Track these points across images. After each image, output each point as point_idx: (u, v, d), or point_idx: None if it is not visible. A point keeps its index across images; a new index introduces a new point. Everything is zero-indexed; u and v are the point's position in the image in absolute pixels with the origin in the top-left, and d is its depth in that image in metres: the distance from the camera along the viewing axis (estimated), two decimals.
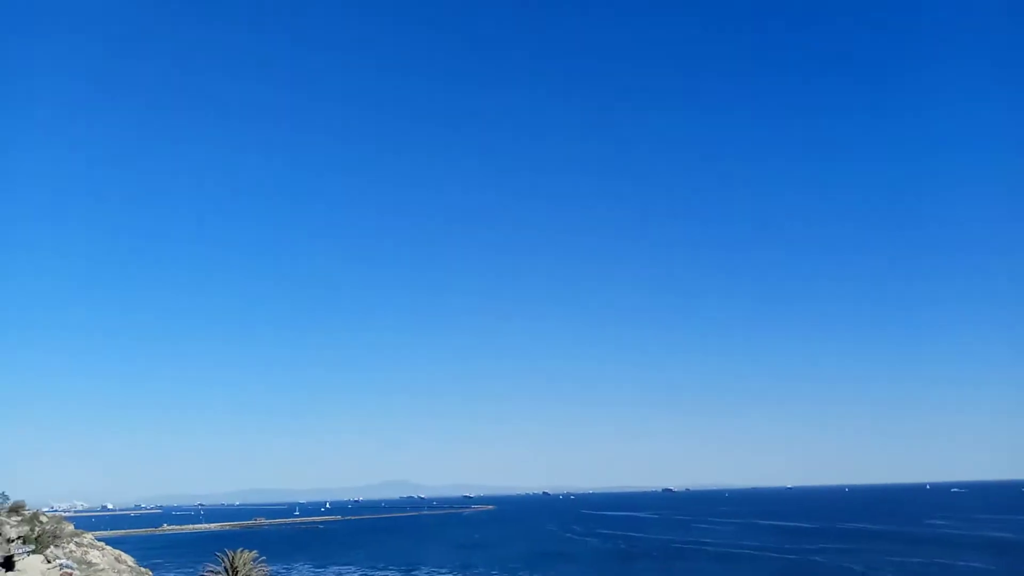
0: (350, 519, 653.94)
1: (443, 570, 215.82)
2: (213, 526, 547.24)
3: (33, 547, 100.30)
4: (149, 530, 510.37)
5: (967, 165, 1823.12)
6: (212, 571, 78.63)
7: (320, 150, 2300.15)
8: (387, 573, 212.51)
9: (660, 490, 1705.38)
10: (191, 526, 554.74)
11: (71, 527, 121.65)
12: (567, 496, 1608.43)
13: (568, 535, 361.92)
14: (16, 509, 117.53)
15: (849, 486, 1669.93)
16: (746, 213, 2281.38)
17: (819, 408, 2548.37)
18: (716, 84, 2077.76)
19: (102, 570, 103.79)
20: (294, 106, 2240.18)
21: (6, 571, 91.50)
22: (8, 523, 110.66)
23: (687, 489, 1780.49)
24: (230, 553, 78.98)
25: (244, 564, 77.74)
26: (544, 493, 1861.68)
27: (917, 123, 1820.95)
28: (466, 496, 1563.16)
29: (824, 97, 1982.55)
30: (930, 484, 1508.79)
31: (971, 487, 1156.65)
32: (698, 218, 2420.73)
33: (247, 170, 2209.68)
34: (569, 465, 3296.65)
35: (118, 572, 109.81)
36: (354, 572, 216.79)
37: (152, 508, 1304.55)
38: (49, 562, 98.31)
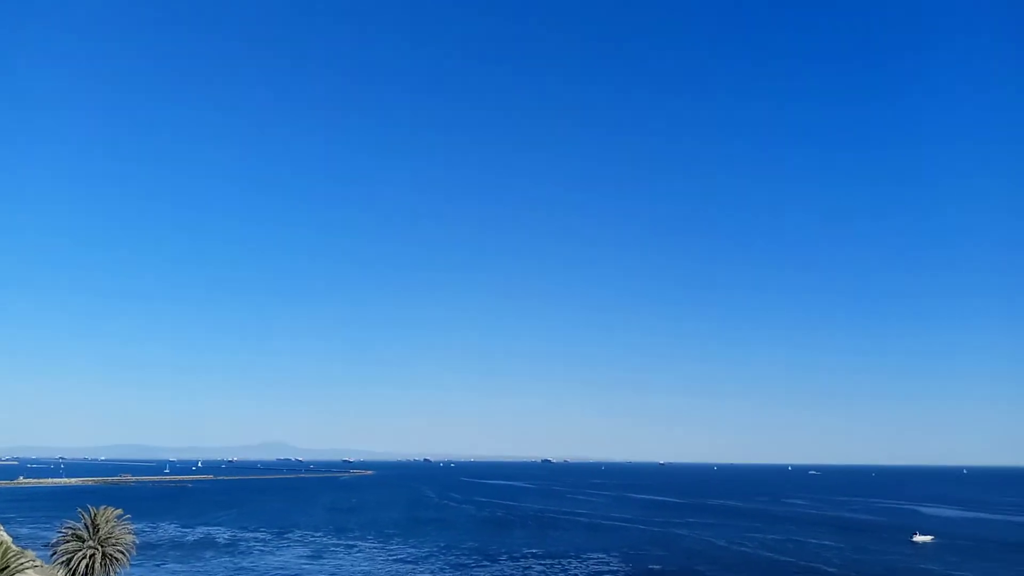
0: (223, 479, 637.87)
1: (317, 533, 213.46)
2: (74, 481, 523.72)
3: None
4: (3, 483, 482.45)
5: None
6: (71, 528, 74.85)
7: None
8: (258, 534, 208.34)
9: (539, 461, 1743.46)
10: (50, 480, 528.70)
11: None
12: (447, 464, 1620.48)
13: (446, 502, 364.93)
14: None
15: (717, 465, 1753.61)
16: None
17: (696, 385, 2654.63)
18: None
19: None
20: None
21: None
22: None
23: (565, 461, 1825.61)
24: (92, 510, 75.37)
25: (107, 522, 74.32)
26: (425, 460, 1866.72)
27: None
28: (345, 460, 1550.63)
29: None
30: (792, 466, 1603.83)
31: (826, 470, 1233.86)
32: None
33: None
34: (450, 433, 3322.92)
35: None
36: (224, 532, 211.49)
37: (7, 459, 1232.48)
38: None
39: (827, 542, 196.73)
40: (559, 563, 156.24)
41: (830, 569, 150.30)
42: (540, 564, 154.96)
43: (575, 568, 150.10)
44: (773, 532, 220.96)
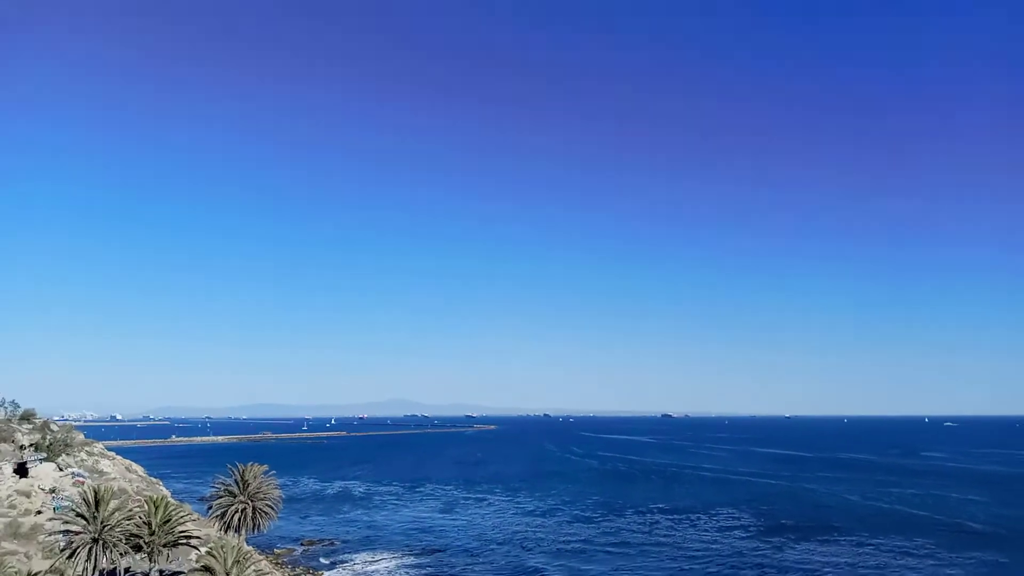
0: (355, 435, 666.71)
1: (447, 486, 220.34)
2: (220, 439, 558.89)
3: (45, 455, 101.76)
4: (158, 441, 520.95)
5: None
6: (223, 483, 79.74)
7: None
8: (391, 487, 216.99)
9: (659, 416, 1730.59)
10: (199, 438, 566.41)
11: (81, 436, 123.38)
12: (567, 419, 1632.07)
13: (568, 456, 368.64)
14: (27, 417, 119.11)
15: (848, 417, 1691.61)
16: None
17: (820, 341, 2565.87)
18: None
19: (113, 479, 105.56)
20: None
21: (20, 477, 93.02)
22: (20, 431, 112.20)
23: (686, 416, 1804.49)
24: (241, 466, 79.95)
25: (255, 478, 78.74)
26: (545, 415, 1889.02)
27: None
28: (468, 416, 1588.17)
29: None
30: (928, 417, 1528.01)
31: (963, 421, 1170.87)
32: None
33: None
34: (570, 389, 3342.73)
35: (128, 481, 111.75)
36: (359, 486, 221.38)
37: (160, 420, 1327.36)
38: (61, 470, 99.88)
39: (971, 496, 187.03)
40: (687, 518, 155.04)
41: (975, 525, 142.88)
42: (667, 519, 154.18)
43: (704, 523, 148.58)
44: (911, 487, 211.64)
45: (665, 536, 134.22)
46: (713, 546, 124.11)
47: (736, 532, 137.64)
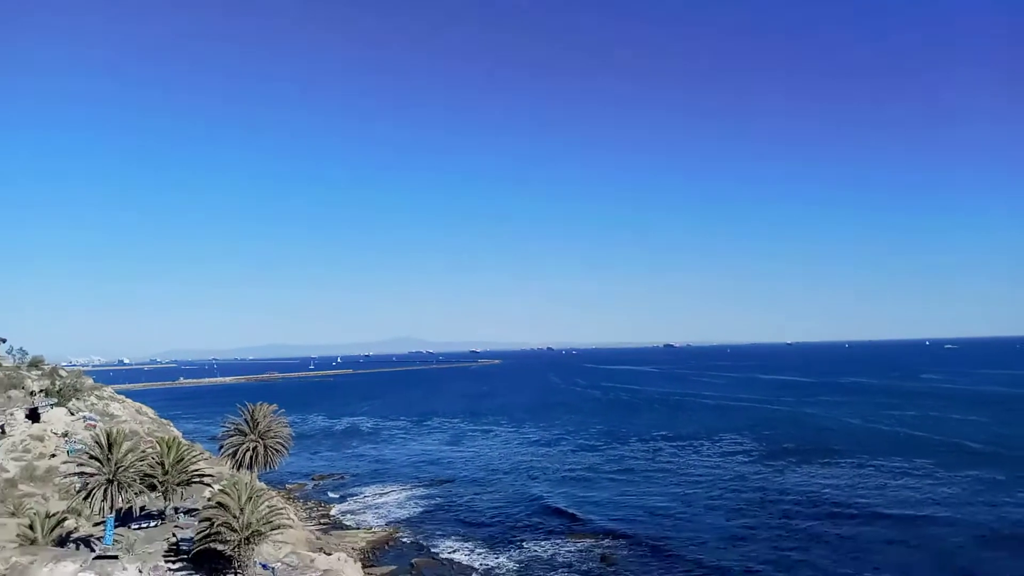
0: (361, 372, 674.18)
1: (454, 419, 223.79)
2: (228, 379, 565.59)
3: (56, 400, 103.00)
4: (166, 383, 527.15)
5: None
6: (233, 423, 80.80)
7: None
8: (399, 422, 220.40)
9: (661, 346, 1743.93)
10: (206, 379, 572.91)
11: (90, 381, 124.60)
12: (570, 351, 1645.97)
13: (572, 387, 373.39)
14: (36, 364, 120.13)
15: (849, 342, 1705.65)
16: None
17: (821, 267, 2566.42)
18: None
19: (124, 421, 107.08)
20: None
21: (32, 423, 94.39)
22: (29, 377, 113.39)
23: (688, 345, 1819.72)
24: (250, 406, 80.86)
25: (264, 416, 79.70)
26: (548, 349, 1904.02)
27: None
28: (472, 351, 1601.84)
29: None
30: (929, 340, 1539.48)
31: (964, 343, 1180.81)
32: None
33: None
34: (573, 322, 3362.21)
35: (139, 423, 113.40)
36: (367, 421, 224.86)
37: (167, 363, 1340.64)
38: (72, 414, 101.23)
39: (970, 417, 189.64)
40: (690, 444, 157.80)
41: (974, 444, 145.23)
42: (671, 445, 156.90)
43: (707, 449, 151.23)
44: (910, 408, 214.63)
45: (668, 462, 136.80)
46: (716, 471, 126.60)
47: (738, 457, 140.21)
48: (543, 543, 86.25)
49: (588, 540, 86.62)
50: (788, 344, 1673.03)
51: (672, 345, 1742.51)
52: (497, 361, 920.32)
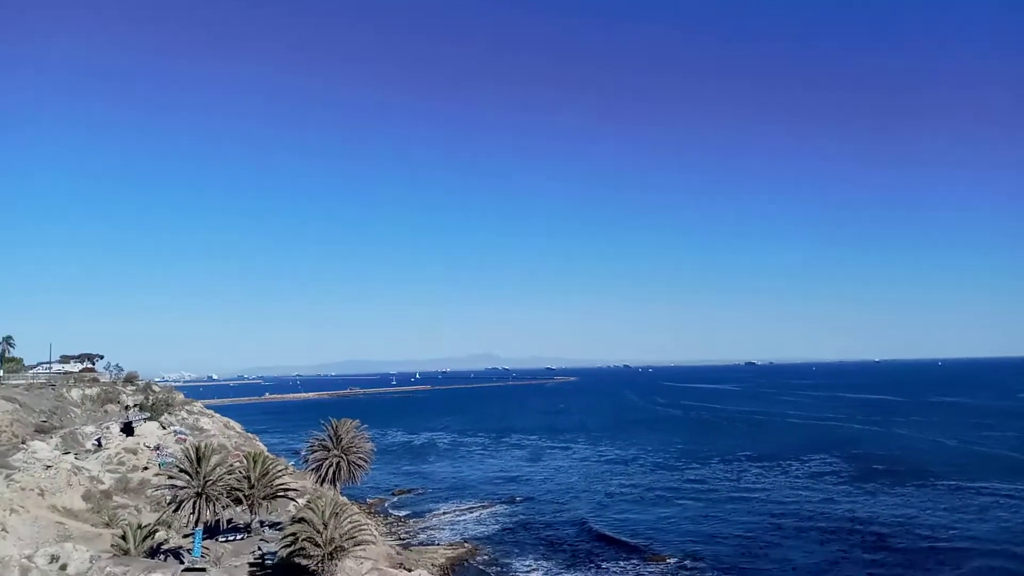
0: (439, 389, 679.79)
1: (532, 436, 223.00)
2: (310, 395, 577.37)
3: (148, 415, 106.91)
4: (252, 399, 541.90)
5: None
6: (317, 438, 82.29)
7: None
8: (477, 438, 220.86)
9: (743, 364, 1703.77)
10: (291, 395, 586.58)
11: (181, 396, 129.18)
12: (647, 369, 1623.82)
13: (650, 405, 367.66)
14: (130, 380, 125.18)
15: (942, 360, 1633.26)
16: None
17: (912, 280, 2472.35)
18: None
19: (212, 435, 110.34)
20: None
21: (126, 436, 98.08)
22: (125, 392, 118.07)
23: (771, 363, 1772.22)
24: (334, 421, 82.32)
25: (347, 432, 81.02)
26: (625, 366, 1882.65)
27: None
28: (548, 368, 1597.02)
29: None
30: None
31: None
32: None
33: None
34: (650, 339, 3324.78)
35: (227, 438, 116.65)
36: (446, 437, 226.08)
37: (253, 379, 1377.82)
38: (164, 428, 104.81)
39: None
40: (776, 464, 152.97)
41: None
42: (755, 466, 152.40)
43: (794, 470, 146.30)
44: (1011, 429, 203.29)
45: (753, 483, 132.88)
46: (803, 492, 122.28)
47: (827, 478, 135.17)
48: (622, 563, 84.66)
49: (670, 562, 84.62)
50: (876, 362, 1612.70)
51: (754, 363, 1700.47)
52: (573, 378, 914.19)
